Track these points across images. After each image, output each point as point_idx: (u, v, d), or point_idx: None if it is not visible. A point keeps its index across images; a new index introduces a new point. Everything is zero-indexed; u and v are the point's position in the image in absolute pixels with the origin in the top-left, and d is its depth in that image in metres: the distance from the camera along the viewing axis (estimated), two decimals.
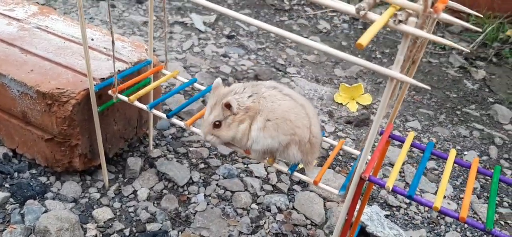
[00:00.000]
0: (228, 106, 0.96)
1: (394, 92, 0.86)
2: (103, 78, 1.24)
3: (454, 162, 0.98)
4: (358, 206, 1.19)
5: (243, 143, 1.00)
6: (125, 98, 1.11)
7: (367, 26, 2.77)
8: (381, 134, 1.02)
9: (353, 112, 1.92)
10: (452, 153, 0.99)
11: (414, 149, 1.75)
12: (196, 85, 1.27)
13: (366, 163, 0.90)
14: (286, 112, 0.96)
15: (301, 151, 0.99)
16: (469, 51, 2.07)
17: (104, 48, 1.39)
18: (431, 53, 2.55)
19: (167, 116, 1.07)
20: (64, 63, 1.29)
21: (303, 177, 1.00)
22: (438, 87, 2.23)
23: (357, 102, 1.97)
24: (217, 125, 0.99)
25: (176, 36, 2.31)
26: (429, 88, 0.80)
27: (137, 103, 1.10)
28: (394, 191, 0.89)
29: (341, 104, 1.96)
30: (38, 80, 1.20)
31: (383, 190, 1.52)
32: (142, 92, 1.14)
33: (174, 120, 1.07)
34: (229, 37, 2.39)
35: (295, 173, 1.01)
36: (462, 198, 1.52)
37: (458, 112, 2.05)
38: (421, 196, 1.52)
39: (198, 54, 2.19)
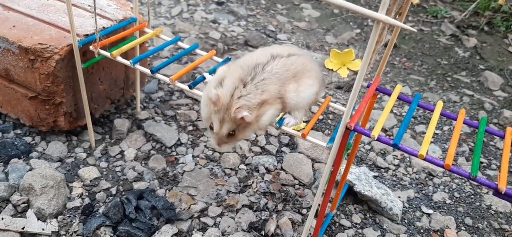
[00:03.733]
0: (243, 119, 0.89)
1: (381, 37, 0.85)
2: (87, 34, 1.21)
3: (441, 114, 0.97)
4: (345, 164, 1.19)
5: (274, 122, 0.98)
6: (107, 54, 1.09)
7: None
8: (368, 86, 1.01)
9: (343, 77, 1.90)
10: (439, 105, 0.98)
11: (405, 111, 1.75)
12: (181, 43, 1.25)
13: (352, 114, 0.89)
14: (302, 65, 0.99)
15: (321, 89, 1.06)
16: (415, 30, 2.06)
17: (89, 5, 1.35)
18: (423, 21, 2.53)
19: (151, 71, 1.05)
20: (47, 19, 1.26)
21: (291, 131, 0.98)
22: (430, 54, 2.22)
23: (348, 68, 1.95)
24: (231, 134, 0.93)
25: (165, 2, 2.27)
26: (415, 30, 0.79)
27: (119, 59, 1.08)
28: (379, 140, 0.88)
29: (332, 70, 1.94)
30: (20, 36, 1.17)
31: (372, 152, 1.52)
32: (125, 47, 1.11)
33: (159, 75, 1.05)
34: (219, 3, 2.36)
35: (284, 127, 0.99)
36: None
37: (448, 79, 2.05)
38: (410, 158, 1.52)
39: (187, 20, 2.16)
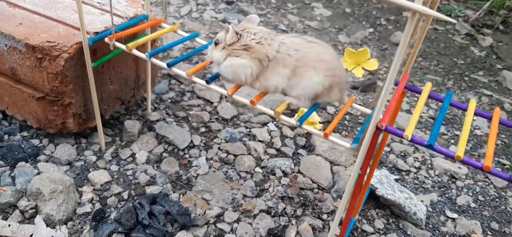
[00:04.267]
0: (226, 30, 0.96)
1: (416, 29, 0.79)
2: (97, 32, 1.16)
3: (475, 113, 0.92)
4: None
5: (240, 82, 0.99)
6: (122, 46, 1.04)
7: None
8: (396, 84, 0.95)
9: (358, 77, 1.84)
10: (472, 104, 0.92)
11: (425, 113, 1.69)
12: (198, 40, 1.20)
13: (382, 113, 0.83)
14: (319, 54, 0.94)
15: (340, 90, 0.98)
16: (455, 21, 2.00)
17: (98, 2, 1.30)
18: (437, 20, 2.47)
19: (167, 64, 0.99)
20: (55, 17, 1.20)
21: (313, 130, 0.93)
22: (445, 54, 2.16)
23: (363, 68, 1.90)
24: (216, 43, 1.00)
25: (174, 2, 2.22)
26: (454, 21, 0.73)
27: (135, 52, 1.03)
28: (412, 141, 0.82)
29: (346, 69, 1.89)
30: (27, 33, 1.12)
31: (392, 154, 1.46)
32: (141, 41, 1.06)
33: (175, 69, 1.00)
34: (228, 3, 2.31)
35: (305, 126, 0.94)
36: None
37: (466, 78, 1.99)
38: (431, 160, 1.46)
39: (196, 19, 2.11)
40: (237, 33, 0.96)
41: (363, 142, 0.85)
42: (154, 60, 1.03)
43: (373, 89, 1.77)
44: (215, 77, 1.02)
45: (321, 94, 0.96)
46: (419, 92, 0.97)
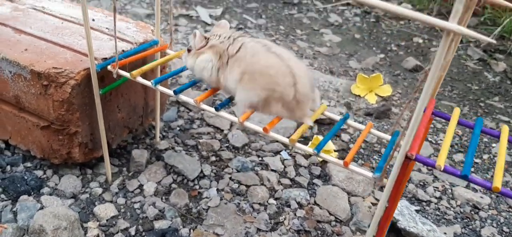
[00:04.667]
0: (194, 36, 1.01)
1: (450, 49, 0.74)
2: (105, 58, 1.11)
3: (509, 141, 0.86)
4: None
5: (207, 78, 1.02)
6: (126, 74, 0.99)
7: (379, 19, 2.66)
8: (424, 111, 0.89)
9: (372, 104, 1.79)
10: (505, 130, 0.87)
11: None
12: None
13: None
14: (266, 67, 0.92)
15: (286, 108, 0.94)
16: (494, 41, 1.96)
17: (106, 28, 1.26)
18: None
19: (174, 92, 0.94)
20: (62, 42, 1.16)
21: (332, 159, 0.87)
22: (459, 79, 2.11)
23: (376, 94, 1.84)
24: (189, 50, 1.04)
25: (181, 29, 2.19)
26: (493, 41, 0.68)
27: (140, 79, 0.98)
28: (445, 171, 0.76)
29: (359, 96, 1.84)
30: (33, 59, 1.07)
31: (410, 183, 1.40)
32: (145, 68, 1.01)
33: (182, 96, 0.95)
34: (237, 29, 2.28)
35: (322, 154, 0.88)
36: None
37: (481, 104, 1.93)
38: (452, 190, 1.39)
39: None
40: (205, 38, 1.01)
41: (392, 172, 0.79)
42: (160, 88, 0.98)
43: (387, 115, 1.71)
44: (225, 104, 0.97)
45: (257, 106, 0.94)
46: (447, 119, 0.91)
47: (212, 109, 0.93)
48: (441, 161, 0.76)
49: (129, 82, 1.19)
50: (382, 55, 2.24)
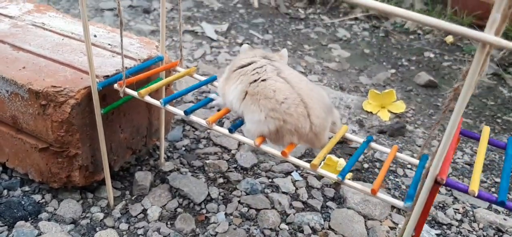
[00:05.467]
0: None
1: (485, 63, 0.67)
2: (107, 76, 1.05)
3: None
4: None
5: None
6: (134, 93, 0.93)
7: (388, 34, 2.61)
8: None
9: (385, 121, 1.72)
10: None
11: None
12: (216, 83, 1.09)
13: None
14: (271, 92, 0.85)
15: (303, 140, 0.87)
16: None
17: (109, 44, 1.21)
18: (460, 60, 2.37)
19: (185, 112, 0.88)
20: (62, 60, 1.10)
21: (357, 186, 0.80)
22: (473, 95, 2.04)
23: (389, 110, 1.77)
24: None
25: (187, 45, 2.14)
26: None
27: (148, 99, 0.92)
28: (479, 197, 0.69)
29: (371, 112, 1.77)
30: (31, 78, 1.01)
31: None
32: (154, 86, 0.95)
33: (193, 117, 0.89)
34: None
35: (346, 181, 0.81)
36: None
37: (499, 120, 1.85)
38: (473, 212, 1.31)
39: (210, 62, 2.01)
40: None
41: (419, 199, 0.72)
42: (170, 108, 0.91)
43: (402, 133, 1.64)
44: (239, 125, 0.90)
45: (269, 138, 0.86)
46: (477, 138, 0.84)
47: (226, 131, 0.87)
48: (475, 186, 0.69)
49: (132, 101, 1.13)
50: (393, 70, 2.18)
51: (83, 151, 1.06)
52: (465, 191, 0.69)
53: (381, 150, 0.93)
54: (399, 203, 0.76)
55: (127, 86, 0.96)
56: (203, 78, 1.09)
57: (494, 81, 2.19)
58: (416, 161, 0.92)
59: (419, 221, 0.75)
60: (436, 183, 0.70)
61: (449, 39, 2.57)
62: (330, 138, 0.91)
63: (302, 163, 0.81)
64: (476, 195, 0.68)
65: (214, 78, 1.09)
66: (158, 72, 1.07)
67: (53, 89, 0.99)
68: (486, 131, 0.83)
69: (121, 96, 0.96)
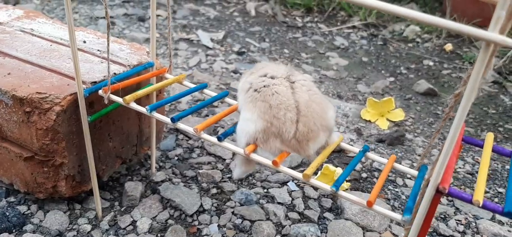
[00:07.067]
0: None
1: (489, 63, 0.63)
2: (95, 82, 1.01)
3: None
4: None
5: None
6: (118, 99, 0.89)
7: (387, 42, 2.58)
8: None
9: (384, 129, 1.68)
10: None
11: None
12: (207, 91, 1.05)
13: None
14: (269, 95, 0.84)
15: (285, 145, 0.85)
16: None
17: (98, 50, 1.17)
18: (460, 68, 2.33)
19: (171, 119, 0.84)
20: (49, 66, 1.07)
21: (352, 198, 0.76)
22: (474, 103, 2.00)
23: (388, 119, 1.74)
24: None
25: (182, 53, 2.10)
26: None
27: (134, 105, 0.88)
28: (484, 207, 0.65)
29: (370, 121, 1.73)
30: (15, 84, 0.97)
31: None
32: (140, 93, 0.91)
33: (181, 124, 0.85)
34: (239, 53, 2.19)
35: (340, 192, 0.77)
36: None
37: (500, 129, 1.81)
38: (476, 223, 1.27)
39: (206, 70, 1.98)
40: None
41: (419, 210, 0.68)
42: (156, 115, 0.87)
43: (401, 142, 1.60)
44: (228, 134, 0.86)
45: (257, 140, 0.84)
46: (480, 146, 0.80)
47: (214, 139, 0.83)
48: (479, 195, 0.65)
49: (121, 108, 1.09)
50: (391, 79, 2.14)
51: (69, 160, 1.01)
52: (469, 201, 0.65)
53: (378, 160, 0.90)
54: (397, 216, 0.72)
55: (114, 93, 0.92)
56: (192, 86, 1.05)
57: (495, 89, 2.15)
58: (415, 173, 0.88)
59: (420, 234, 0.70)
60: (438, 193, 0.66)
61: (448, 47, 2.54)
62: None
63: (294, 173, 0.77)
64: (480, 205, 0.64)
65: (204, 86, 1.05)
66: (146, 78, 1.03)
67: (38, 95, 0.95)
68: (489, 137, 0.79)
69: (106, 103, 0.92)
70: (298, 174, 0.77)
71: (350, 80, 2.07)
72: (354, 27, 2.73)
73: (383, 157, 1.51)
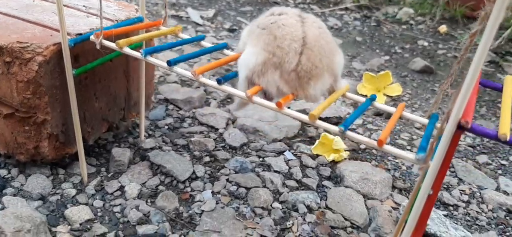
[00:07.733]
0: None
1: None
2: (80, 33, 0.94)
3: None
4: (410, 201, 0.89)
5: None
6: (112, 44, 0.82)
7: (380, 24, 2.53)
8: None
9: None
10: None
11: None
12: (205, 43, 0.99)
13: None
14: (276, 27, 0.79)
15: (284, 80, 0.77)
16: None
17: (83, 6, 1.10)
18: (455, 49, 2.30)
19: (168, 63, 0.77)
20: (32, 19, 0.99)
21: (362, 138, 0.69)
22: None
23: (385, 94, 1.68)
24: None
25: None
26: None
27: (127, 50, 0.81)
28: (509, 143, 0.59)
29: (366, 96, 1.67)
30: None
31: None
32: (135, 38, 0.84)
33: (178, 68, 0.78)
34: (231, 30, 2.12)
35: (348, 132, 0.70)
36: None
37: (499, 105, 1.78)
38: (480, 193, 1.22)
39: (196, 45, 1.91)
40: None
41: (439, 148, 0.62)
42: (151, 59, 0.81)
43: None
44: (229, 78, 0.80)
45: (254, 71, 0.79)
46: (498, 88, 0.75)
47: (214, 83, 0.77)
48: (505, 129, 0.59)
49: (108, 66, 1.02)
50: (386, 57, 2.10)
51: (52, 117, 0.94)
52: (494, 137, 0.60)
53: (386, 109, 0.84)
54: (410, 156, 0.66)
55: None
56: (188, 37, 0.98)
57: (492, 68, 2.12)
58: (425, 121, 0.82)
59: (438, 176, 0.64)
60: (459, 128, 0.60)
61: (443, 29, 2.50)
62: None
63: (300, 115, 0.71)
64: (507, 139, 0.58)
65: (202, 37, 0.99)
66: (139, 29, 0.96)
67: (19, 45, 0.87)
68: (509, 79, 0.74)
69: (97, 49, 0.85)
70: (304, 116, 0.71)
71: (344, 58, 2.02)
72: (346, 8, 2.69)
73: (380, 129, 1.45)
